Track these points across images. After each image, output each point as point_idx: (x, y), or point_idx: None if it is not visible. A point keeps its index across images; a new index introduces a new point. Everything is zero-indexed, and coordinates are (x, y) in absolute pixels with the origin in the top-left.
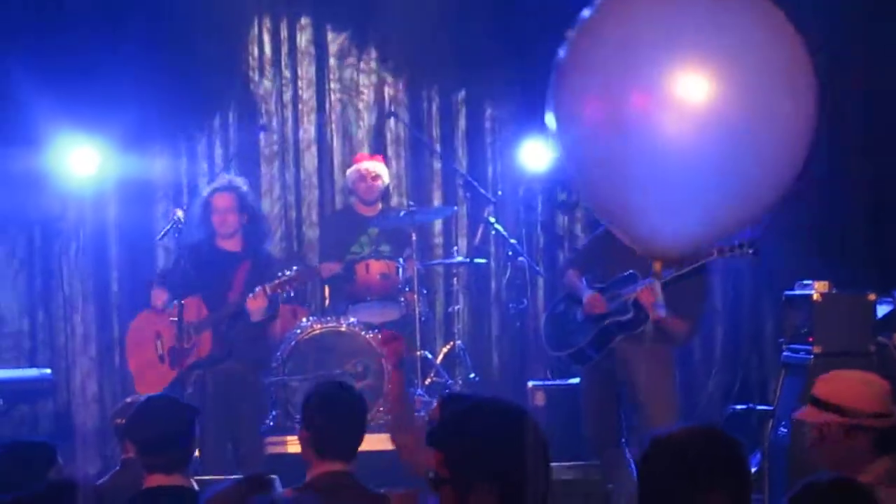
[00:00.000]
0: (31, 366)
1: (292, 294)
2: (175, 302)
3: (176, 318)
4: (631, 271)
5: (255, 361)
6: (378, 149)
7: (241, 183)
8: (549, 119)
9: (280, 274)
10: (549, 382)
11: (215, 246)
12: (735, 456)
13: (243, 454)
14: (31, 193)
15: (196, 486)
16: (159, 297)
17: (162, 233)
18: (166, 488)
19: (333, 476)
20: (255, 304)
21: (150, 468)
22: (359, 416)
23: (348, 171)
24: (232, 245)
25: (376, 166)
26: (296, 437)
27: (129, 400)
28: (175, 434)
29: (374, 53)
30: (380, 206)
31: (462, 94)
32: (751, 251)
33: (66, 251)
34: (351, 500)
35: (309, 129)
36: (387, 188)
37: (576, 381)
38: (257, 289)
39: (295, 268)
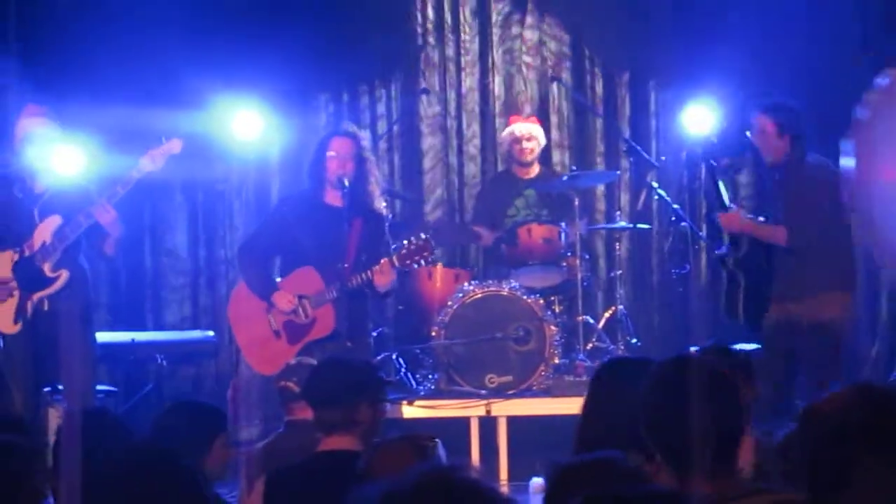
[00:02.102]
0: (195, 328)
1: (423, 264)
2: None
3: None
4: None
5: (364, 334)
6: (541, 114)
7: (363, 135)
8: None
9: (406, 243)
10: None
11: (322, 201)
12: (888, 414)
13: None
14: (195, 156)
15: None
16: (287, 300)
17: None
18: (342, 452)
19: None
20: (384, 280)
21: (324, 427)
22: None
23: (503, 134)
24: (340, 199)
25: (530, 128)
26: (447, 401)
27: (292, 362)
28: (354, 393)
29: (536, 18)
30: (537, 168)
31: (625, 57)
32: None
33: (228, 214)
34: None
35: (471, 94)
36: (544, 150)
37: (741, 346)
38: (383, 261)
39: (423, 236)
